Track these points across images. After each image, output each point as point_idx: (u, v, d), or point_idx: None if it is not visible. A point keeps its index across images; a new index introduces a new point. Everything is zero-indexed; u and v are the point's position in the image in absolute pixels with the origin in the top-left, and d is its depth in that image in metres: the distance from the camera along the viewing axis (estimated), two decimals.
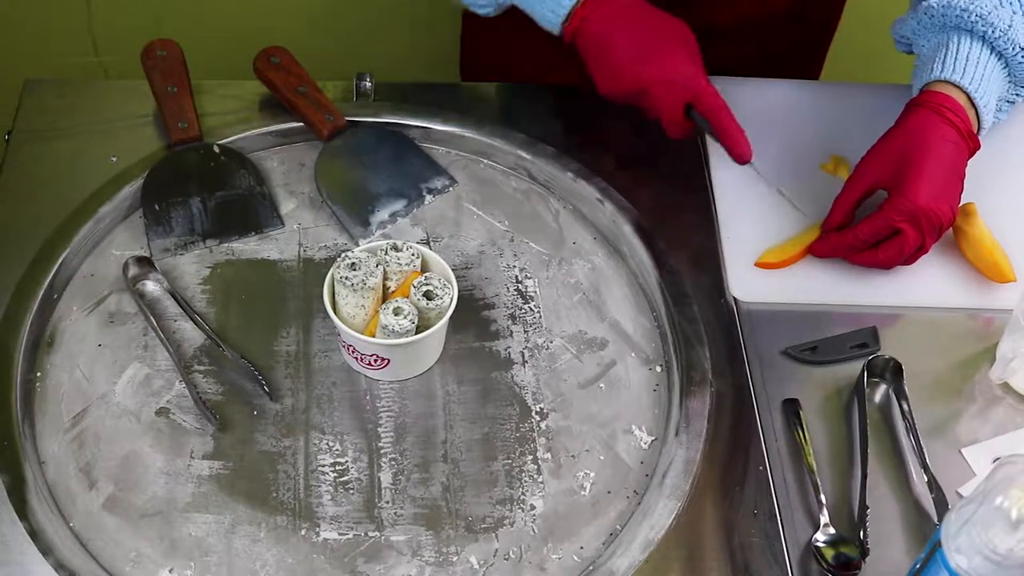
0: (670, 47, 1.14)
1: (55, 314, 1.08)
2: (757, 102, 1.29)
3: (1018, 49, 1.14)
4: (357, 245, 1.15)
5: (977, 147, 1.14)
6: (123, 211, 1.15)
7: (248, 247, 1.15)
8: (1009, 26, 1.13)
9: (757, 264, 1.15)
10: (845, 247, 1.14)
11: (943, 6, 1.16)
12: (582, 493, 1.00)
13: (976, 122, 1.14)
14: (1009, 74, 1.17)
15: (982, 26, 1.13)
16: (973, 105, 1.14)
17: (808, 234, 1.17)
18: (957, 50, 1.14)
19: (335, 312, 1.03)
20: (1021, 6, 1.15)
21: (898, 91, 1.28)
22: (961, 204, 1.16)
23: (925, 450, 1.02)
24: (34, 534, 0.93)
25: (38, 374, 1.04)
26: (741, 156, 1.12)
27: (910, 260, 1.13)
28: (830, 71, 1.54)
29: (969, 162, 1.15)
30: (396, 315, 1.01)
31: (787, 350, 1.09)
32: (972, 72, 1.13)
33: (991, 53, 1.14)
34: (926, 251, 1.12)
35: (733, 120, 1.11)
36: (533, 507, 0.99)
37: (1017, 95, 1.20)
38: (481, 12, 1.24)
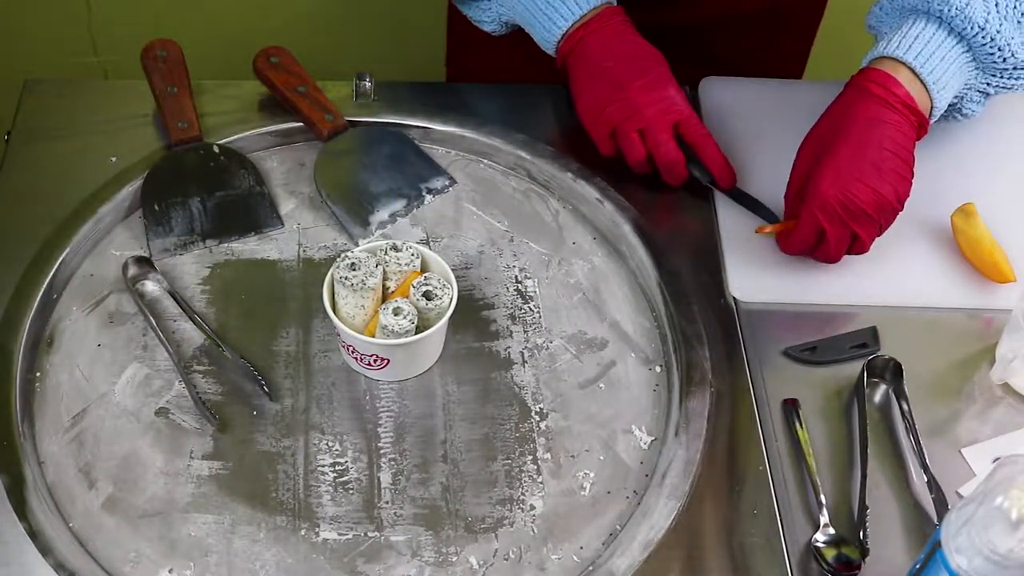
0: (660, 77, 1.17)
1: (55, 314, 1.08)
2: (751, 101, 1.29)
3: (976, 28, 1.08)
4: (357, 245, 1.15)
5: (922, 120, 1.09)
6: (123, 211, 1.15)
7: (248, 247, 1.15)
8: (966, 4, 1.08)
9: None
10: (799, 250, 1.13)
11: None
12: (582, 493, 1.00)
13: (928, 100, 1.09)
14: (974, 59, 1.12)
15: (938, 4, 1.09)
16: (922, 82, 1.09)
17: None
18: (908, 30, 1.10)
19: (335, 312, 1.03)
20: None
21: None
22: (961, 204, 1.16)
23: (925, 450, 1.01)
24: (33, 534, 0.92)
25: (38, 374, 1.04)
26: (724, 181, 1.18)
27: (860, 249, 1.10)
28: (813, 70, 1.53)
29: (969, 161, 1.14)
30: (396, 315, 1.01)
31: (787, 350, 1.09)
32: (919, 49, 1.09)
33: (948, 34, 1.09)
34: (872, 236, 1.09)
35: (717, 147, 1.18)
36: (533, 507, 0.99)
37: (988, 84, 1.15)
38: (487, 29, 1.27)
